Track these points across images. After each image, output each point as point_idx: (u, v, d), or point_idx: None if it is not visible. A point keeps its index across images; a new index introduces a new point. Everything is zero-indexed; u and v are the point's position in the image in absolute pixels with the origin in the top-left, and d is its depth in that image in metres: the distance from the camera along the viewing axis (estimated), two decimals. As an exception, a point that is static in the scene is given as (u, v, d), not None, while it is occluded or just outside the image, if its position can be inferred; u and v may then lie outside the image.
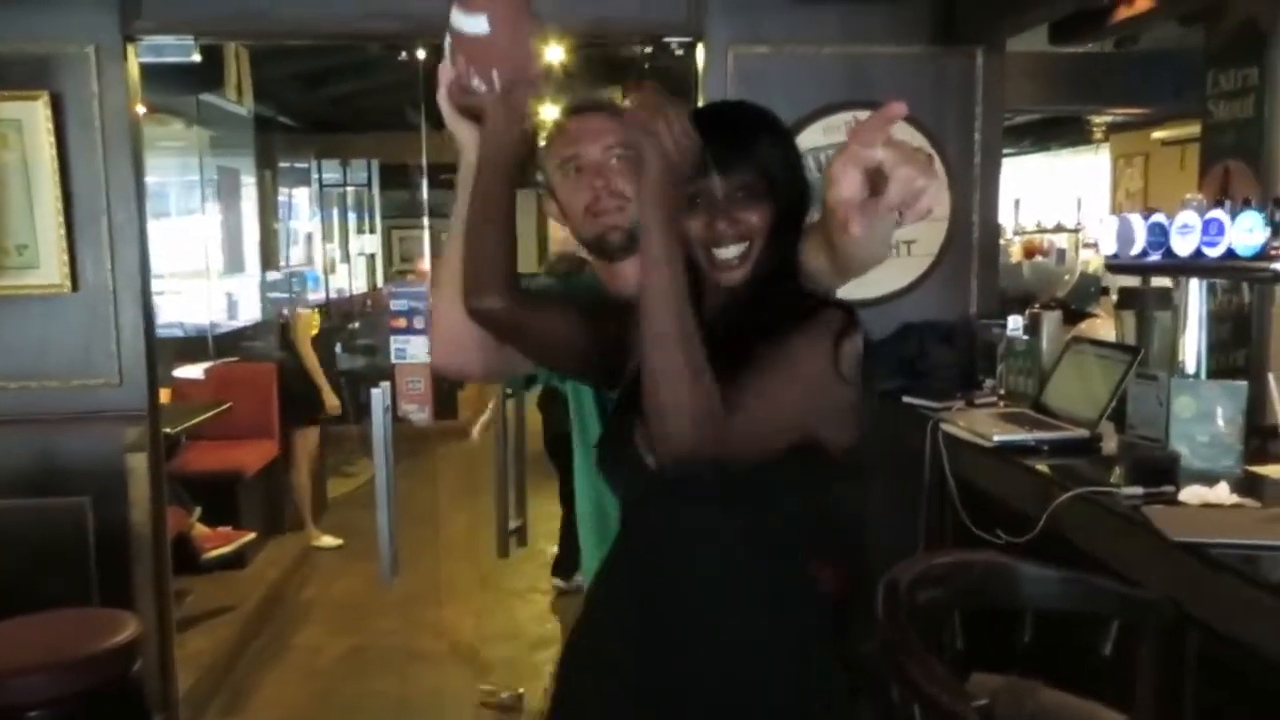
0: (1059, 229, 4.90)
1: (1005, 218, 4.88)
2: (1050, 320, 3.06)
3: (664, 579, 1.28)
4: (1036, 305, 3.49)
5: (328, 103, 7.88)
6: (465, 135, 1.36)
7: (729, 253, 1.24)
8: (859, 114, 3.17)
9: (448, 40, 1.33)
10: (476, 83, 1.30)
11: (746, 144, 1.26)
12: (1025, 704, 1.48)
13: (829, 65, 3.18)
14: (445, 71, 1.34)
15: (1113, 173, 7.67)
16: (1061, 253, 4.14)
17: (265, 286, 7.24)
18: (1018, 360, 2.98)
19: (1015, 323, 3.05)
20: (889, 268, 3.24)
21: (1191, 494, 1.91)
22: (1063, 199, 6.71)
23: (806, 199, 1.30)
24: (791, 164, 1.30)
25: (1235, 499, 1.90)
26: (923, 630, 1.57)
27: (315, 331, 5.47)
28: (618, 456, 1.32)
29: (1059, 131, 7.96)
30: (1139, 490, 1.98)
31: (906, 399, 3.02)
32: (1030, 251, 4.28)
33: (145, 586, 3.11)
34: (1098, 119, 6.74)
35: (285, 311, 5.86)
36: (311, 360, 5.30)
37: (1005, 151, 8.10)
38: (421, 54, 5.18)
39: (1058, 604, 1.71)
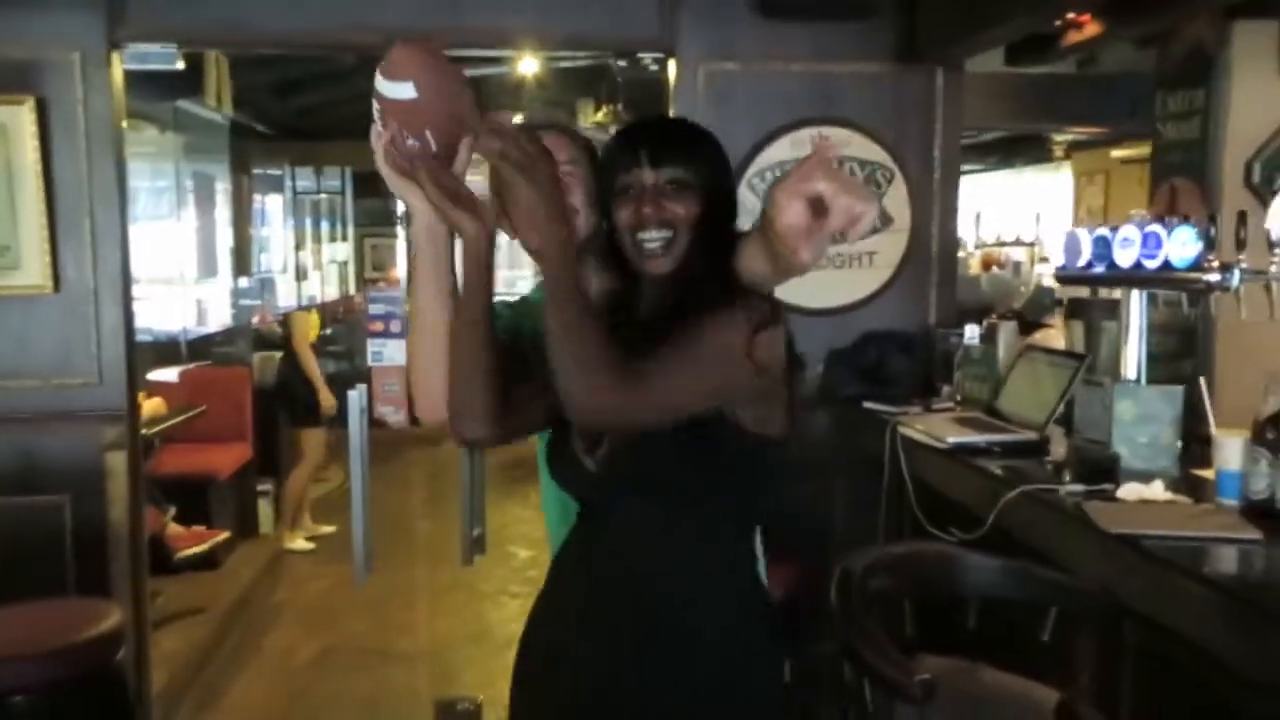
0: (1017, 243, 5.05)
1: (966, 232, 5.03)
2: (1006, 330, 3.19)
3: (607, 572, 1.36)
4: (994, 316, 3.63)
5: (301, 111, 7.93)
6: (414, 200, 1.35)
7: (653, 237, 1.33)
8: (824, 129, 3.31)
9: (375, 106, 1.31)
10: (411, 142, 1.29)
11: (677, 144, 1.37)
12: (967, 683, 1.59)
13: (796, 82, 3.30)
14: (377, 137, 1.32)
15: (1075, 189, 7.88)
16: (1018, 265, 4.27)
17: (237, 293, 7.28)
18: (973, 368, 3.11)
19: (972, 332, 3.18)
20: (851, 278, 3.40)
21: (1129, 491, 2.03)
22: (1024, 215, 6.88)
23: (732, 203, 1.40)
24: (719, 169, 1.40)
25: (1169, 495, 2.02)
26: (875, 616, 1.68)
27: (315, 335, 5.55)
28: (563, 459, 1.41)
29: (1023, 149, 8.17)
30: (1080, 488, 2.10)
31: (867, 404, 3.15)
32: (988, 264, 4.42)
33: (122, 583, 3.16)
34: (1059, 137, 6.93)
35: (259, 319, 5.91)
36: (310, 362, 5.37)
37: (972, 168, 8.35)
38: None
39: (1000, 592, 1.82)
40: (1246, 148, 3.37)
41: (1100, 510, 1.93)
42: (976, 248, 5.20)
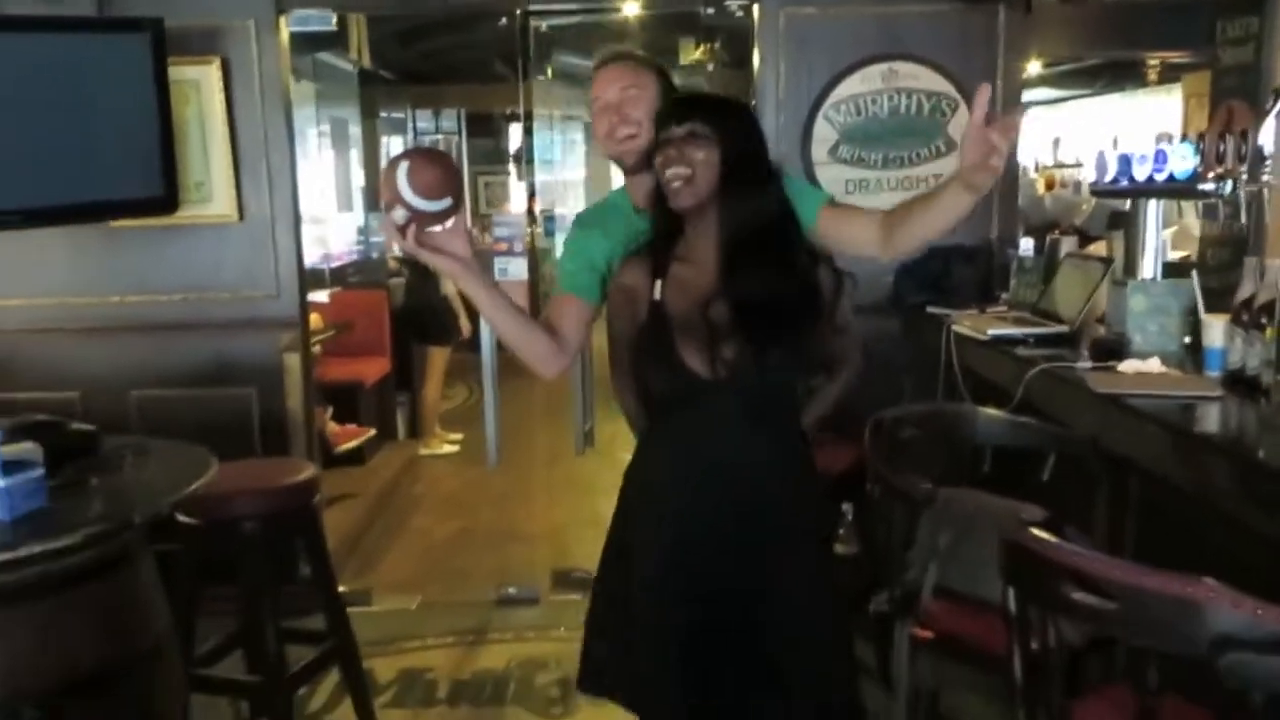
0: (1076, 164, 5.28)
1: (1044, 155, 5.29)
2: (1066, 244, 3.56)
3: (709, 446, 1.86)
4: (1056, 231, 3.98)
5: (421, 57, 8.52)
6: (442, 263, 1.76)
7: (673, 174, 1.80)
8: (894, 65, 3.69)
9: (402, 212, 1.69)
10: (437, 228, 1.73)
11: (698, 106, 1.86)
12: (968, 499, 2.04)
13: (867, 23, 3.68)
14: (394, 229, 1.72)
15: (1184, 111, 7.89)
16: (1078, 185, 4.53)
17: (368, 227, 7.97)
18: (1025, 276, 3.49)
19: (1026, 245, 3.56)
20: (919, 198, 3.77)
21: (1128, 365, 2.44)
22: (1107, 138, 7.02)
23: (754, 156, 1.86)
24: (739, 127, 1.85)
25: (1163, 369, 2.42)
26: (899, 453, 2.16)
27: None
28: (659, 362, 1.85)
29: (1132, 73, 8.20)
30: (1089, 364, 2.52)
31: (930, 309, 3.56)
32: (1049, 185, 4.70)
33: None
34: (1152, 62, 7.01)
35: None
36: (452, 286, 6.00)
37: (1081, 92, 8.41)
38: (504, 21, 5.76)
39: (1007, 441, 2.28)
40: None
41: (1095, 377, 2.35)
42: (1038, 170, 5.43)
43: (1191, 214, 4.50)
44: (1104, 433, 2.25)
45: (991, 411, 2.29)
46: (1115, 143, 6.86)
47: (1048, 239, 3.64)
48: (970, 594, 1.88)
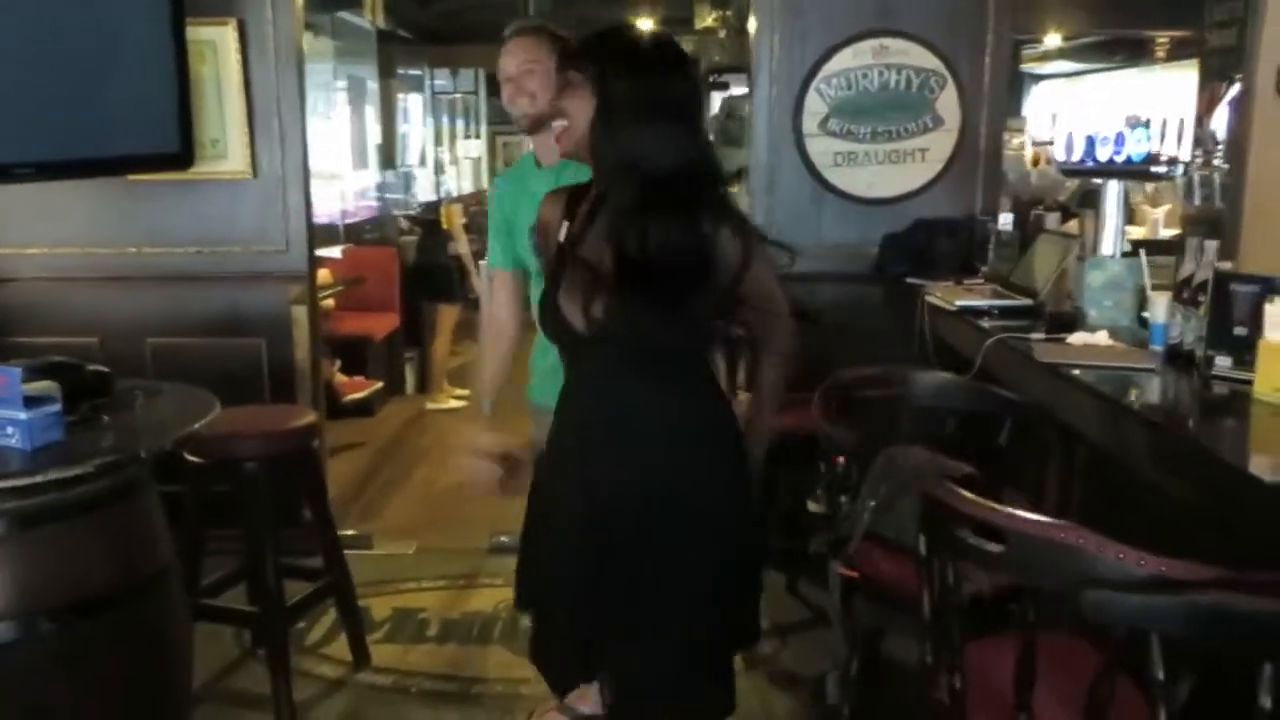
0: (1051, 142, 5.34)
1: (1042, 131, 5.36)
2: (1050, 220, 3.67)
3: (594, 398, 1.87)
4: (1041, 207, 4.09)
5: (440, 16, 8.64)
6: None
7: (555, 125, 1.85)
8: (885, 40, 3.80)
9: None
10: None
11: (575, 52, 1.87)
12: (910, 458, 2.20)
13: (861, -2, 3.80)
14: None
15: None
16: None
17: (383, 185, 8.14)
18: (1003, 249, 3.61)
19: (1005, 219, 3.67)
20: (905, 172, 3.92)
21: (1077, 337, 2.58)
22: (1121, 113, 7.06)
23: (637, 101, 1.76)
24: (623, 68, 1.77)
25: (1110, 342, 2.56)
26: (846, 412, 2.32)
27: (465, 221, 6.37)
28: (543, 307, 1.88)
29: (1151, 47, 8.21)
30: (1041, 335, 2.66)
31: (909, 280, 3.70)
32: (1035, 160, 4.80)
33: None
34: (1160, 38, 7.04)
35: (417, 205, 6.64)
36: (464, 245, 6.18)
37: (1098, 66, 8.43)
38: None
39: (958, 404, 2.43)
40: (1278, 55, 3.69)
41: (1042, 348, 2.49)
42: (1034, 144, 5.51)
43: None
44: (1048, 401, 2.40)
45: (933, 374, 2.44)
46: (1127, 121, 6.96)
47: (1032, 214, 3.76)
48: (904, 543, 2.04)
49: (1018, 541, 1.49)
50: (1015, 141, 7.05)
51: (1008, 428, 2.47)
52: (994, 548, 1.51)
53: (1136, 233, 4.64)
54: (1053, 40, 7.83)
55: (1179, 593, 1.37)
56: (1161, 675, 1.39)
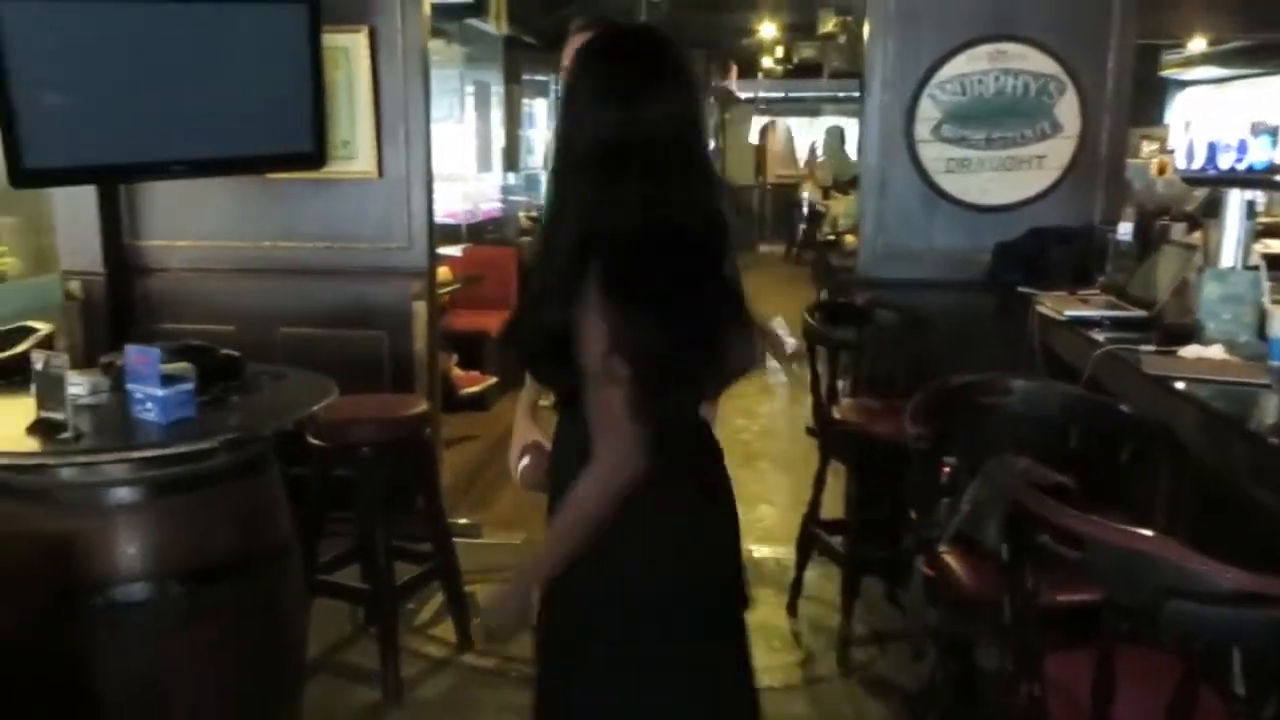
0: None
1: (1178, 138, 5.18)
2: (1176, 230, 3.56)
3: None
4: (1167, 217, 3.95)
5: (564, 22, 8.81)
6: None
7: None
8: (1001, 45, 3.75)
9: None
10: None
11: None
12: (1008, 464, 2.18)
13: (977, 3, 3.74)
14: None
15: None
16: (1193, 171, 4.46)
17: (506, 187, 8.37)
18: (1121, 259, 3.52)
19: (1125, 229, 3.57)
20: (1020, 179, 3.85)
21: (1189, 350, 2.51)
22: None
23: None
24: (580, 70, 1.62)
25: (1225, 356, 2.48)
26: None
27: None
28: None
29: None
30: (1152, 348, 2.59)
31: (1021, 289, 3.63)
32: (1162, 168, 4.63)
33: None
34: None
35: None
36: None
37: (1246, 72, 8.06)
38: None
39: (1076, 418, 2.38)
40: None
41: (1151, 360, 2.43)
42: (1163, 152, 5.30)
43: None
44: (1156, 415, 2.34)
45: (1061, 386, 2.41)
46: (1251, 128, 6.64)
47: (1157, 224, 3.64)
48: (989, 548, 2.03)
49: (1098, 550, 1.48)
50: (1147, 148, 6.82)
51: (1130, 446, 2.40)
52: (1074, 554, 1.51)
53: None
54: (1197, 45, 7.51)
55: (1265, 607, 1.34)
56: (1244, 691, 1.36)
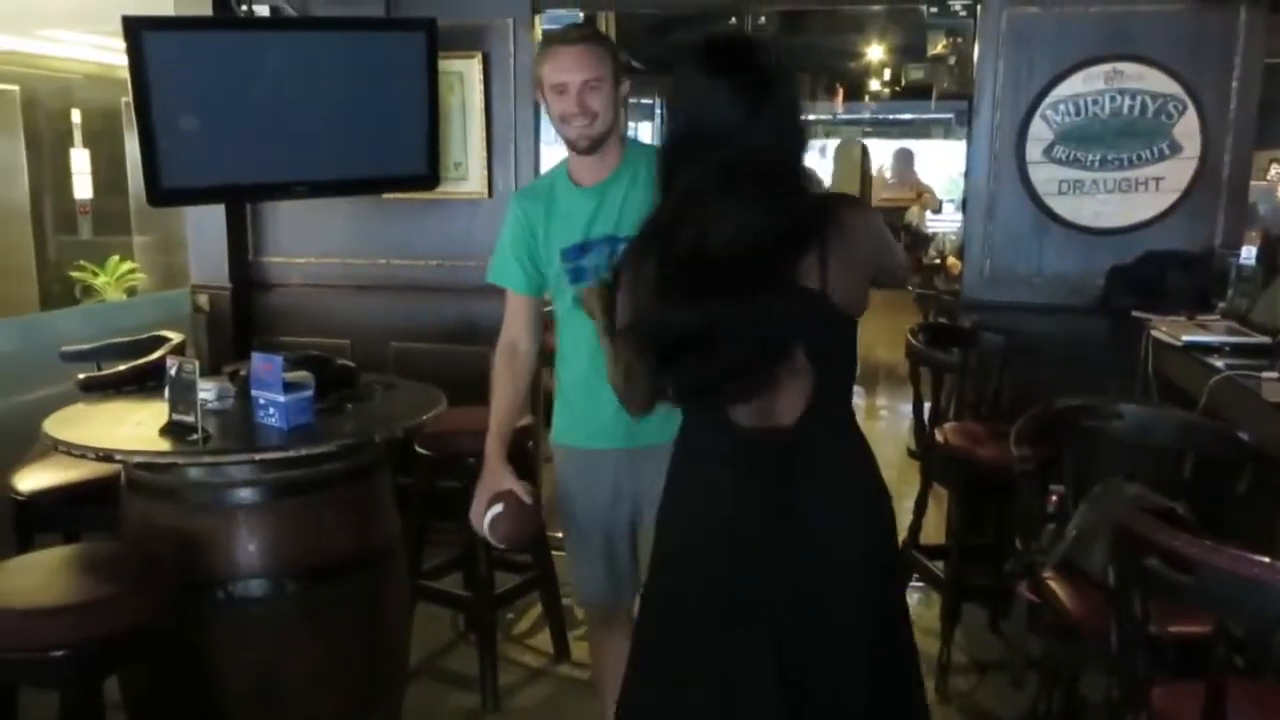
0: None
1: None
2: (1303, 256, 3.42)
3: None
4: (1293, 241, 3.79)
5: (670, 48, 8.94)
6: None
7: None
8: (1117, 65, 3.66)
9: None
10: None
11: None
12: (1118, 489, 2.13)
13: (1091, 22, 3.66)
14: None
15: None
16: (1322, 193, 4.23)
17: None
18: (1244, 284, 3.39)
19: (1248, 252, 3.44)
20: (1137, 201, 3.74)
21: (1314, 377, 2.41)
22: None
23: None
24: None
25: (1355, 385, 2.38)
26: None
27: None
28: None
29: None
30: (1275, 375, 2.50)
31: (1135, 314, 3.53)
32: (1289, 192, 4.43)
33: (526, 414, 4.27)
34: None
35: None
36: None
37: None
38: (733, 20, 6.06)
39: (1199, 448, 2.31)
40: None
41: (1271, 387, 2.35)
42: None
43: None
44: (1266, 440, 2.26)
45: (1178, 412, 2.34)
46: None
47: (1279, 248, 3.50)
48: (1095, 575, 1.99)
49: (1208, 575, 1.44)
50: (1275, 171, 6.54)
51: (1247, 475, 2.32)
52: (1180, 578, 1.47)
53: None
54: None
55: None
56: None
